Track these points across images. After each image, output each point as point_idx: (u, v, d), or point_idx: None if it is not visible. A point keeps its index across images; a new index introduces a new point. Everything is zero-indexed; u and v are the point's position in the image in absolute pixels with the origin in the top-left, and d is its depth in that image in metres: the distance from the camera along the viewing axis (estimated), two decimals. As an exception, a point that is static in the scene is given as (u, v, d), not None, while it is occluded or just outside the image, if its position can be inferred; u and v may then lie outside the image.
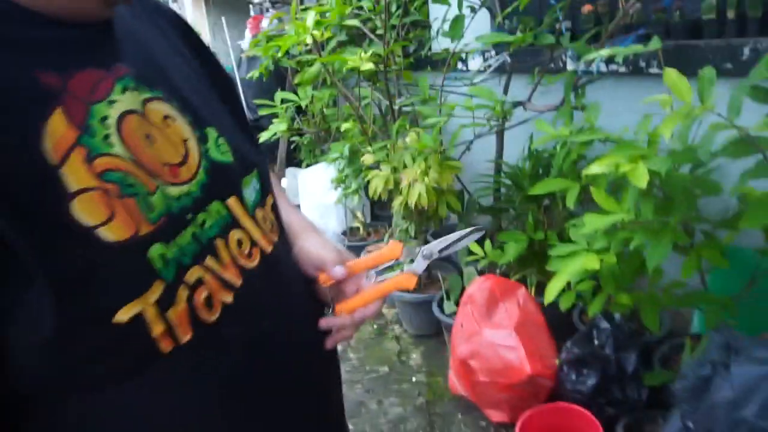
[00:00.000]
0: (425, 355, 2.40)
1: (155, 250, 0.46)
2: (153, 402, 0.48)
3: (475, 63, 2.64)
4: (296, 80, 2.85)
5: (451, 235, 0.70)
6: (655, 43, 1.33)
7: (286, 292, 0.60)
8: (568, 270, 1.50)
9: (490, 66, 2.43)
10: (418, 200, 2.07)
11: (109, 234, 0.44)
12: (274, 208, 0.63)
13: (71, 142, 0.43)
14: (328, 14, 2.19)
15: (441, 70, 2.52)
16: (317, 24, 2.09)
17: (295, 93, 3.09)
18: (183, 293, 0.48)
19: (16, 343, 0.41)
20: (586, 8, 2.07)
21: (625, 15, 1.74)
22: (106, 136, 0.45)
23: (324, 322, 0.65)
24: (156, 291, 0.46)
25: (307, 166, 3.69)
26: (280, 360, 0.57)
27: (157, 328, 0.46)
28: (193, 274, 0.49)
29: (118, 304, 0.44)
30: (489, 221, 2.45)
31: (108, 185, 0.45)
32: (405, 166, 2.20)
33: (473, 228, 0.71)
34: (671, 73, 1.14)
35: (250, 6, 5.24)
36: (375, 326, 2.65)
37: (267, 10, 4.86)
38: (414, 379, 2.26)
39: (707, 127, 1.12)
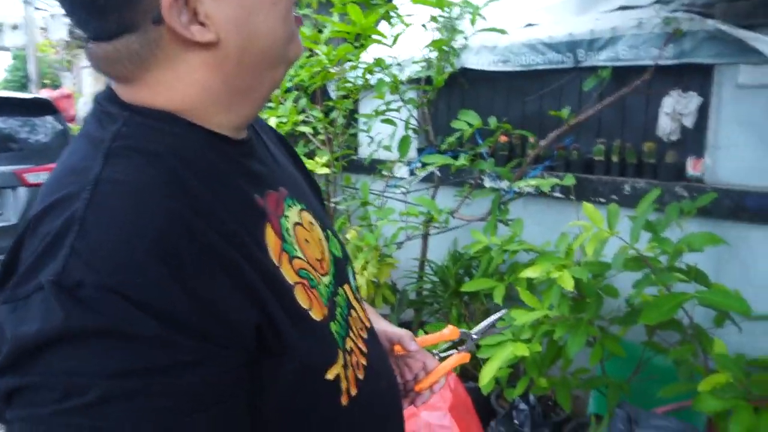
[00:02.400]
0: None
1: (332, 326, 0.61)
2: None
3: (401, 171, 3.02)
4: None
5: (488, 320, 0.94)
6: (569, 179, 1.74)
7: (384, 358, 0.77)
8: (500, 356, 1.78)
9: (415, 175, 2.81)
10: (359, 292, 2.30)
11: (314, 315, 0.58)
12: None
13: (279, 249, 0.58)
14: (284, 119, 2.46)
15: (369, 173, 2.86)
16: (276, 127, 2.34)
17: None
18: (348, 358, 0.63)
19: (269, 389, 0.54)
20: (503, 138, 2.54)
21: (537, 150, 2.20)
22: (291, 243, 0.61)
23: (419, 401, 0.85)
24: (341, 357, 0.61)
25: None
26: (393, 408, 0.76)
27: (344, 385, 0.61)
28: (348, 344, 0.64)
29: (327, 365, 0.59)
30: (411, 314, 2.73)
31: (303, 280, 0.60)
32: (345, 260, 2.43)
33: (501, 313, 0.96)
34: (588, 207, 1.52)
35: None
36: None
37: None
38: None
39: (615, 247, 1.50)
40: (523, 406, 2.03)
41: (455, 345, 0.93)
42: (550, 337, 1.76)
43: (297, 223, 0.65)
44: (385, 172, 3.14)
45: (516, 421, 2.02)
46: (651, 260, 1.49)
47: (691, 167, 1.90)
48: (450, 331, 0.90)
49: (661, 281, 1.39)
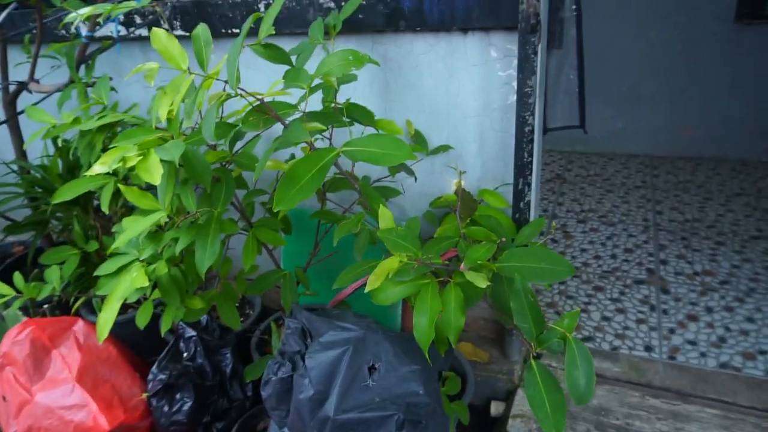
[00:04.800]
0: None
1: None
2: None
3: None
4: None
5: None
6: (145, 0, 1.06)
7: None
8: (118, 293, 1.18)
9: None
10: None
11: None
12: None
13: None
14: None
15: None
16: None
17: None
18: None
19: None
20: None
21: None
22: None
23: None
24: None
25: None
26: None
27: None
28: None
29: None
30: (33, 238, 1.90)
31: None
32: None
33: None
34: (159, 35, 0.89)
35: None
36: None
37: None
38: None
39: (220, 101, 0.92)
40: (189, 333, 1.50)
41: None
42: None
43: None
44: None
45: (185, 354, 1.50)
46: (280, 106, 0.96)
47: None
48: None
49: (290, 138, 0.88)
